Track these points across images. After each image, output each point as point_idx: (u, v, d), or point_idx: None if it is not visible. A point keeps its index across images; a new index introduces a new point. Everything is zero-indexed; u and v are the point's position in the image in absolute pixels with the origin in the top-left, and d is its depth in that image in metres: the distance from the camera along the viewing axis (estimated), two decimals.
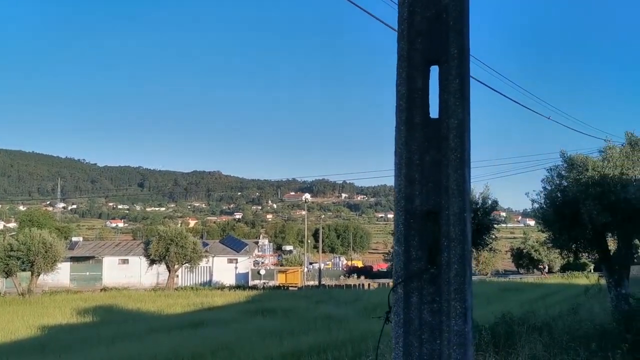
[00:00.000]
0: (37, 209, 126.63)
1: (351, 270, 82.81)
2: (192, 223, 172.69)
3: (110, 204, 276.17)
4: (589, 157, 16.39)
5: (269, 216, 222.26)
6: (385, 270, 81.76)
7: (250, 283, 60.33)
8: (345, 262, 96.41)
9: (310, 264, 79.86)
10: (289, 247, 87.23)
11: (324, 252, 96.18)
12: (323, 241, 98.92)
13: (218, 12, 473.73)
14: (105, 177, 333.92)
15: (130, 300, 39.18)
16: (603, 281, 19.90)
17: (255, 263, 68.94)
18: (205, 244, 63.77)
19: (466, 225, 2.47)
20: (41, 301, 39.02)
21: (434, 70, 2.57)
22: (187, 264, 54.37)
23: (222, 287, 53.67)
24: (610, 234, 16.99)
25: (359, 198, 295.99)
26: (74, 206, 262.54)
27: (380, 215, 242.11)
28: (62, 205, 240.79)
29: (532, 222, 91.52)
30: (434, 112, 2.56)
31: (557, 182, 16.66)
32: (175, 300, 38.82)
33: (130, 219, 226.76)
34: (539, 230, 28.27)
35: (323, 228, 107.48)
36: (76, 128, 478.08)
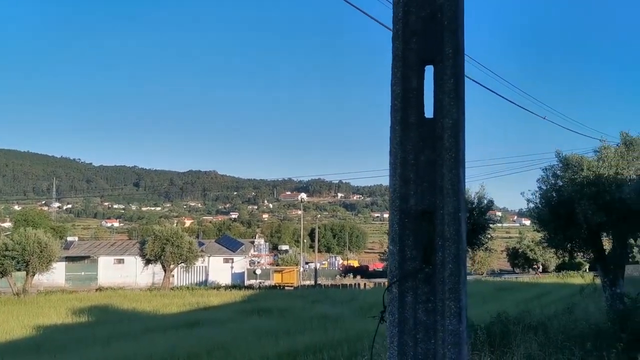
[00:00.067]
0: (32, 209, 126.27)
1: (347, 270, 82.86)
2: (187, 223, 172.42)
3: (106, 203, 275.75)
4: (584, 157, 16.43)
5: (265, 216, 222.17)
6: (381, 269, 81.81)
7: (246, 283, 60.31)
8: (341, 261, 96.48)
9: (306, 263, 79.84)
10: (285, 247, 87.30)
11: (320, 251, 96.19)
12: (319, 241, 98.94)
13: (218, 12, 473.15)
14: (101, 176, 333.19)
15: (125, 300, 39.11)
16: (598, 281, 19.94)
17: (251, 263, 68.94)
18: (201, 244, 63.72)
19: (461, 224, 2.48)
20: (36, 301, 38.92)
21: (429, 70, 2.57)
22: (182, 264, 54.30)
23: (218, 287, 53.66)
24: (605, 234, 17.05)
25: (355, 198, 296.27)
26: (69, 206, 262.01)
27: (376, 214, 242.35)
28: (57, 204, 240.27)
29: (527, 222, 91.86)
30: (428, 112, 2.56)
31: (553, 181, 16.70)
32: (171, 300, 38.76)
33: (126, 219, 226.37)
34: (534, 230, 28.35)
35: (319, 228, 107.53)
36: (71, 127, 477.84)
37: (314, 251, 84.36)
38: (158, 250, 52.13)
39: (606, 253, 16.95)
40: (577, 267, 65.07)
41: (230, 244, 72.32)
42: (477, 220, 19.90)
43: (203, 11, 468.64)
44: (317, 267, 73.02)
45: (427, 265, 2.49)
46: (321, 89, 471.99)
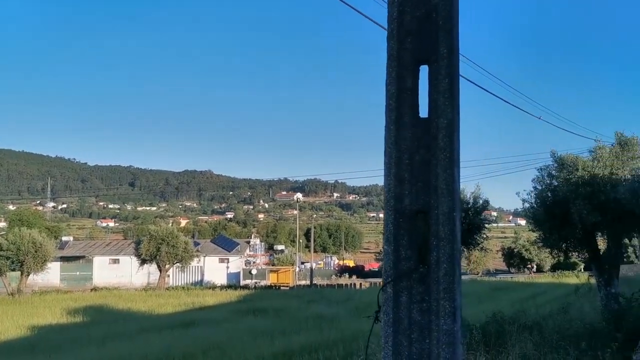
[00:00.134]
0: (27, 209, 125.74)
1: (343, 270, 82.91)
2: (183, 222, 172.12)
3: (101, 203, 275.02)
4: (579, 157, 16.49)
5: (261, 216, 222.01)
6: (376, 269, 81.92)
7: (242, 283, 60.27)
8: (337, 261, 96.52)
9: (302, 263, 79.87)
10: (280, 247, 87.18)
11: (315, 251, 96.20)
12: (315, 241, 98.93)
13: (218, 12, 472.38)
14: (96, 176, 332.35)
15: (120, 300, 39.03)
16: (593, 280, 20.02)
17: (247, 263, 68.87)
18: (196, 244, 63.62)
19: (455, 224, 2.48)
20: (31, 301, 38.79)
21: (424, 70, 2.57)
22: (178, 264, 54.21)
23: (213, 287, 53.58)
24: (600, 234, 17.11)
25: (350, 197, 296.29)
26: (64, 205, 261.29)
27: (372, 214, 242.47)
28: (52, 204, 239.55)
29: (523, 222, 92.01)
30: (423, 112, 2.56)
31: (548, 181, 16.75)
32: (166, 300, 38.69)
33: (121, 219, 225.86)
34: (529, 230, 28.46)
35: (315, 227, 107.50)
36: (66, 127, 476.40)
37: (309, 251, 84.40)
38: (153, 250, 52.03)
39: (601, 253, 17.01)
40: (572, 267, 65.31)
41: (226, 244, 72.23)
42: (473, 220, 19.95)
43: (203, 11, 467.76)
44: (313, 267, 73.00)
45: (422, 265, 2.49)
46: (317, 88, 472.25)
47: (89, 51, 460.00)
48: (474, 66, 18.73)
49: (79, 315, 30.11)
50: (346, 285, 58.50)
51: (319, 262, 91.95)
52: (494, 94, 16.34)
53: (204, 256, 66.06)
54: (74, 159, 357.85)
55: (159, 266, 53.22)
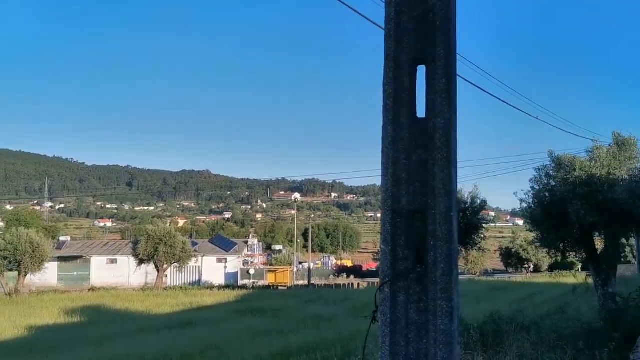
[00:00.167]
0: (25, 208, 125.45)
1: (341, 270, 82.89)
2: (181, 222, 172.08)
3: (99, 203, 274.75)
4: (576, 157, 16.51)
5: (259, 216, 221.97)
6: (374, 269, 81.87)
7: (240, 283, 60.23)
8: (334, 261, 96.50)
9: (300, 263, 79.81)
10: (278, 247, 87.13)
11: (313, 251, 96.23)
12: (313, 241, 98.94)
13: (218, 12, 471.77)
14: (94, 176, 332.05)
15: (118, 300, 38.99)
16: (590, 280, 20.04)
17: (245, 262, 68.82)
18: (194, 244, 63.57)
19: (453, 224, 2.48)
20: (28, 301, 38.73)
21: (421, 70, 2.58)
22: (176, 264, 54.17)
23: (211, 287, 53.57)
24: (597, 234, 17.14)
25: (348, 197, 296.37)
26: (62, 205, 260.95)
27: (370, 214, 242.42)
28: (49, 204, 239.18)
29: (520, 222, 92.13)
30: (421, 112, 2.56)
31: (545, 181, 16.77)
32: (164, 300, 38.66)
33: (119, 219, 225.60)
34: (527, 230, 28.47)
35: (313, 227, 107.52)
36: (64, 127, 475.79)
37: (307, 251, 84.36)
38: (151, 250, 51.98)
39: (598, 253, 17.04)
40: (569, 266, 65.38)
41: (224, 244, 72.19)
42: (471, 220, 19.98)
43: (203, 11, 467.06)
44: (311, 267, 72.98)
45: (419, 265, 2.50)
46: (316, 89, 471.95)
47: (87, 51, 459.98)
48: (472, 66, 18.78)
49: (76, 315, 30.07)
50: (344, 285, 58.49)
51: (317, 262, 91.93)
52: (492, 94, 16.37)
53: (202, 256, 66.01)
54: (72, 158, 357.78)
55: (156, 266, 53.17)
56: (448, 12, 2.56)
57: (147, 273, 59.00)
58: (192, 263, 59.57)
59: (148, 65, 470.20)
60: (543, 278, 57.17)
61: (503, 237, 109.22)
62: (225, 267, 66.74)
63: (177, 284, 58.89)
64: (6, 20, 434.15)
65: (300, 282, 63.23)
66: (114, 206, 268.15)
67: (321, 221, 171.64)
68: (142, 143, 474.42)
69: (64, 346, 19.22)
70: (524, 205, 17.20)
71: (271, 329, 20.22)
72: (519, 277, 61.85)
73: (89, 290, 51.18)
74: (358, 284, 59.87)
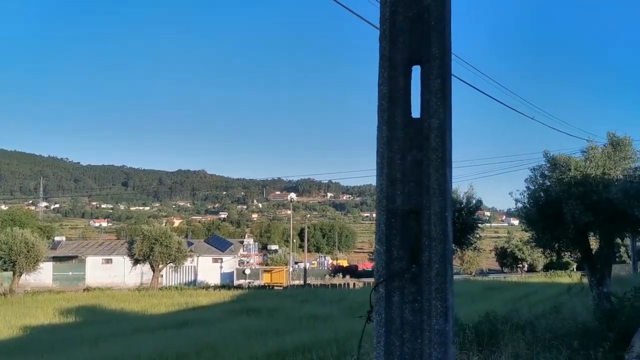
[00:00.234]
0: (19, 208, 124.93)
1: (336, 270, 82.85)
2: (176, 222, 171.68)
3: (94, 203, 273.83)
4: (571, 157, 16.58)
5: (254, 215, 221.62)
6: (370, 269, 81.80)
7: (236, 282, 60.17)
8: (330, 261, 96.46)
9: (296, 263, 79.79)
10: (274, 247, 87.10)
11: (309, 251, 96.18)
12: (308, 240, 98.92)
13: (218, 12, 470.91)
14: (89, 176, 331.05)
15: (113, 300, 38.91)
16: (585, 280, 20.13)
17: (241, 262, 68.78)
18: (190, 244, 63.48)
19: (447, 224, 2.48)
20: (23, 301, 38.60)
21: (416, 70, 2.58)
22: (171, 264, 54.09)
23: (207, 287, 53.48)
24: (592, 233, 17.20)
25: (344, 197, 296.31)
26: (57, 205, 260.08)
27: (365, 214, 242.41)
28: (44, 204, 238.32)
29: (516, 222, 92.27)
30: (415, 112, 2.56)
31: (541, 181, 16.82)
32: (159, 300, 38.60)
33: (114, 219, 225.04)
34: (522, 230, 28.54)
35: (308, 227, 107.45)
36: (59, 127, 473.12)
37: (303, 251, 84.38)
38: (146, 250, 51.88)
39: (593, 252, 17.09)
40: (564, 266, 65.55)
41: (220, 244, 72.11)
42: (466, 220, 20.04)
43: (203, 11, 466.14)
44: (307, 267, 72.99)
45: (414, 265, 2.50)
46: (315, 89, 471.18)
47: (87, 51, 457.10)
48: (468, 66, 18.83)
49: (71, 315, 29.99)
50: (340, 285, 58.51)
51: (313, 262, 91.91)
52: (487, 94, 16.40)
53: (198, 256, 65.93)
54: (67, 158, 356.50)
55: (152, 266, 53.08)
56: (443, 12, 2.56)
57: (142, 273, 58.87)
58: (187, 263, 59.48)
59: (148, 65, 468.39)
60: (538, 278, 57.32)
61: (498, 237, 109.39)
62: (221, 267, 66.68)
63: (173, 284, 58.79)
64: (6, 20, 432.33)
65: (296, 282, 63.20)
66: (110, 206, 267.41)
67: (317, 221, 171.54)
68: (137, 143, 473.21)
69: (58, 346, 19.17)
70: (519, 205, 17.26)
71: (267, 329, 20.21)
72: (514, 277, 61.99)
73: (84, 290, 51.03)
74: (354, 283, 59.90)
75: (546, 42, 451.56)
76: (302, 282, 62.89)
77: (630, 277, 32.12)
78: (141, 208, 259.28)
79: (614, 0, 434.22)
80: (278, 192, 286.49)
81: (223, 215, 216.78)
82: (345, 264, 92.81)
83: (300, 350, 14.54)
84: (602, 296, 15.16)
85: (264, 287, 55.87)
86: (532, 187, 16.88)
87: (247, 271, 63.22)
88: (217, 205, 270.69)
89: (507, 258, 77.96)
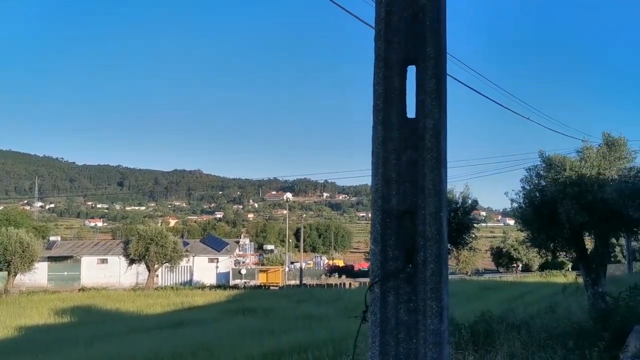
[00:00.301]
0: (14, 208, 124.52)
1: (332, 270, 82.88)
2: (172, 222, 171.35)
3: (89, 203, 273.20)
4: (566, 157, 16.61)
5: (250, 215, 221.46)
6: (366, 269, 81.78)
7: (231, 282, 60.11)
8: (326, 261, 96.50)
9: (292, 263, 79.76)
10: (270, 247, 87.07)
11: (305, 251, 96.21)
12: (304, 240, 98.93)
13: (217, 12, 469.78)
14: (84, 175, 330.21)
15: (109, 300, 38.82)
16: (580, 280, 20.16)
17: (237, 262, 68.70)
18: (185, 244, 63.40)
19: (442, 224, 2.49)
20: (18, 301, 38.47)
21: (411, 70, 2.58)
22: (167, 264, 54.01)
23: (202, 287, 53.45)
24: (587, 233, 17.24)
25: (340, 197, 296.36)
26: (52, 205, 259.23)
27: (361, 214, 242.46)
28: (39, 204, 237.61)
29: (511, 222, 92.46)
30: (411, 112, 2.57)
31: (536, 181, 16.86)
32: (155, 300, 38.53)
33: (110, 218, 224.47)
34: (518, 230, 28.63)
35: (304, 227, 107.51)
36: (55, 126, 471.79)
37: (299, 251, 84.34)
38: (142, 250, 51.78)
39: (588, 252, 17.14)
40: (560, 266, 65.73)
41: (215, 244, 72.03)
42: (462, 219, 20.04)
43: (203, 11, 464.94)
44: (303, 267, 72.97)
45: (409, 265, 2.50)
46: (314, 88, 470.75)
47: (87, 51, 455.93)
48: (464, 66, 18.84)
49: (66, 315, 29.91)
50: (336, 285, 58.53)
51: (309, 261, 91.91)
52: (483, 94, 16.43)
53: (193, 256, 65.83)
54: (62, 158, 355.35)
55: (147, 266, 52.98)
56: (438, 12, 2.57)
57: (138, 273, 58.77)
58: (183, 263, 59.40)
59: (148, 65, 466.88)
60: (534, 277, 57.46)
61: (494, 237, 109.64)
62: (217, 267, 66.61)
63: (168, 284, 58.67)
64: (6, 20, 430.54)
65: (292, 282, 63.20)
66: (105, 206, 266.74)
67: (313, 221, 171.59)
68: (133, 142, 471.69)
69: (54, 346, 19.12)
70: (515, 205, 17.29)
71: (263, 329, 20.19)
72: (509, 277, 62.12)
73: (79, 290, 50.90)
74: (350, 283, 59.91)
75: (546, 42, 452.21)
76: (298, 282, 62.87)
77: (625, 276, 32.22)
78: (137, 208, 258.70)
79: (614, 0, 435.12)
80: (274, 192, 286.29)
81: (219, 215, 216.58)
82: (341, 263, 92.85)
83: (296, 350, 14.54)
84: (597, 296, 15.20)
85: (259, 287, 55.84)
86: (528, 187, 16.92)
87: (243, 271, 63.16)
88: (213, 205, 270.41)
89: (502, 258, 78.16)
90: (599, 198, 14.56)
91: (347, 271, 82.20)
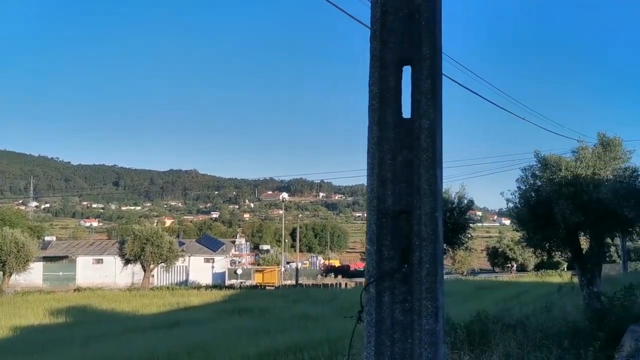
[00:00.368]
0: (9, 208, 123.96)
1: (328, 270, 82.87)
2: (168, 222, 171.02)
3: (85, 202, 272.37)
4: (562, 157, 16.65)
5: (246, 215, 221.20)
6: (362, 269, 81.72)
7: (227, 282, 60.06)
8: (322, 261, 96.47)
9: (288, 263, 79.73)
10: (266, 247, 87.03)
11: (301, 251, 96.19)
12: (300, 240, 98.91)
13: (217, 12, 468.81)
14: (80, 175, 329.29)
15: (104, 300, 38.74)
16: (576, 279, 20.23)
17: (232, 262, 68.67)
18: (181, 243, 63.32)
19: (438, 224, 2.49)
20: (13, 301, 38.34)
21: (407, 70, 2.58)
22: (162, 264, 53.91)
23: (198, 287, 53.37)
24: (582, 233, 17.29)
25: (336, 197, 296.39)
26: (47, 205, 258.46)
27: (357, 214, 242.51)
28: (35, 204, 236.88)
29: (507, 222, 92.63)
30: (406, 112, 2.57)
31: (531, 182, 16.89)
32: (150, 300, 38.47)
33: (105, 218, 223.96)
34: (513, 230, 28.67)
35: (300, 227, 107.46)
36: (50, 126, 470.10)
37: (295, 251, 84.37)
38: (138, 250, 51.68)
39: (584, 252, 17.18)
40: (555, 266, 65.91)
41: (211, 244, 71.97)
42: (458, 219, 20.09)
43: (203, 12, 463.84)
44: (299, 267, 73.00)
45: (405, 265, 2.50)
46: (314, 88, 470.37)
47: (87, 51, 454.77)
48: (459, 66, 18.87)
49: (61, 315, 29.83)
50: (332, 285, 58.55)
51: (305, 261, 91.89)
52: (478, 94, 16.46)
53: (189, 256, 65.76)
54: (57, 158, 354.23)
55: (143, 266, 52.88)
56: (434, 12, 2.57)
57: (133, 273, 58.65)
58: (179, 263, 59.32)
59: (148, 65, 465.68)
60: (529, 277, 57.59)
61: (490, 237, 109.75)
62: (213, 267, 66.55)
63: (164, 284, 58.59)
64: (6, 20, 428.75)
65: (288, 282, 63.18)
66: (100, 206, 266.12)
67: (309, 221, 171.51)
68: (129, 142, 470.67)
69: (49, 346, 19.06)
70: (511, 205, 17.32)
71: (258, 329, 20.18)
72: (505, 277, 62.24)
73: (74, 290, 50.78)
74: (346, 283, 59.98)
75: (546, 42, 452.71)
76: (294, 282, 62.89)
77: (620, 276, 32.29)
78: (132, 208, 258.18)
79: (614, 0, 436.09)
80: (270, 192, 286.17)
81: (215, 215, 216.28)
82: (337, 263, 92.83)
83: (291, 350, 14.53)
84: (593, 296, 15.24)
85: (255, 287, 55.82)
86: (523, 187, 16.95)
87: (239, 271, 63.13)
88: (208, 205, 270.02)
89: (498, 258, 78.29)
90: (594, 198, 14.60)
91: (343, 271, 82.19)
